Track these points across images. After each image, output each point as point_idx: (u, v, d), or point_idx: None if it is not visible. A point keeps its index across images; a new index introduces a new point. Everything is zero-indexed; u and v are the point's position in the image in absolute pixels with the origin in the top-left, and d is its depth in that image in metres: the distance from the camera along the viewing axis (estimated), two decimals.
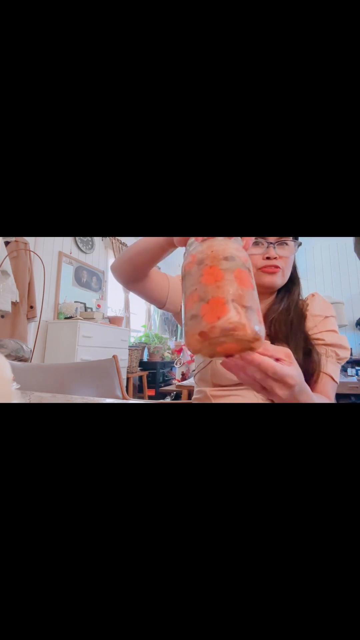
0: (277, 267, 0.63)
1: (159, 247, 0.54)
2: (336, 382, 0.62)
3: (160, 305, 0.69)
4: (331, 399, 0.60)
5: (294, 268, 0.70)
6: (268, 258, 0.63)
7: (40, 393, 0.69)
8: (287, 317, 0.66)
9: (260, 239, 0.63)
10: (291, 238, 0.64)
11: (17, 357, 1.76)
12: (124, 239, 3.79)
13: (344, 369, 3.49)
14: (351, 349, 3.80)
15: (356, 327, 3.73)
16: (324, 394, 0.60)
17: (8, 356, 1.69)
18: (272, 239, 0.63)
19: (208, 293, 0.30)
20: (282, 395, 0.36)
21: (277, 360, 0.35)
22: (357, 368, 3.43)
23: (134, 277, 0.62)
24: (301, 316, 0.67)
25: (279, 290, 0.69)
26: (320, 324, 0.66)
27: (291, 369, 0.35)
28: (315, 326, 0.66)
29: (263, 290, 0.65)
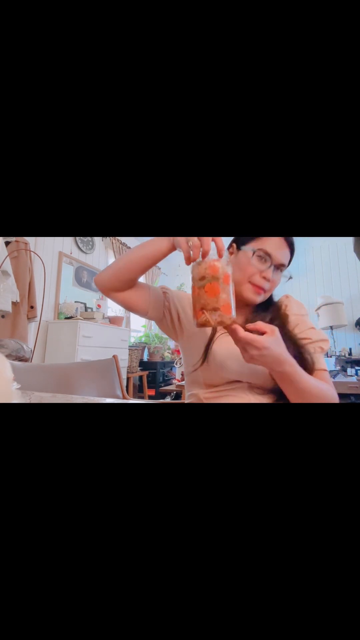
0: (264, 289, 0.67)
1: (161, 253, 0.61)
2: (327, 370, 0.68)
3: (144, 314, 0.72)
4: (331, 384, 0.64)
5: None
6: (264, 278, 0.66)
7: (41, 393, 0.69)
8: (273, 322, 0.69)
9: (268, 254, 0.66)
10: (286, 268, 0.69)
11: (18, 357, 1.76)
12: (124, 239, 3.79)
13: (343, 369, 3.48)
14: (350, 349, 3.77)
15: (356, 327, 3.73)
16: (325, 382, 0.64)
17: (8, 356, 1.69)
18: (276, 262, 0.66)
19: (195, 302, 0.54)
20: (253, 354, 0.51)
21: (262, 333, 0.52)
22: (357, 368, 3.42)
23: (124, 285, 0.65)
24: (284, 320, 0.71)
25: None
26: (301, 323, 0.71)
27: (263, 338, 0.51)
28: (297, 325, 0.70)
29: (243, 304, 0.70)
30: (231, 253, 0.74)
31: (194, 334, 0.72)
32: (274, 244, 0.65)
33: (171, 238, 0.59)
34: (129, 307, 0.70)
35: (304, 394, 0.56)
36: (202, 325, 0.53)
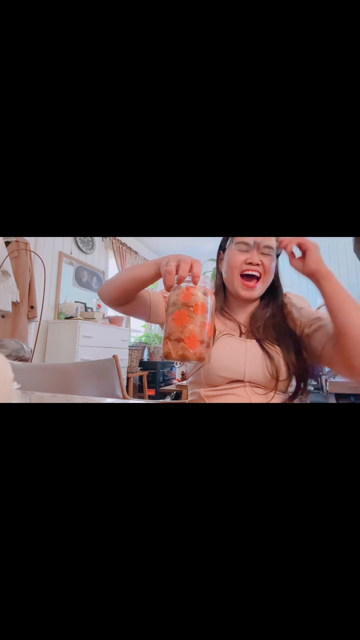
0: (259, 275, 0.67)
1: (149, 277, 0.62)
2: None
3: (146, 320, 0.75)
4: None
5: (277, 276, 0.74)
6: (250, 263, 0.67)
7: (41, 393, 0.69)
8: (274, 321, 0.70)
9: (244, 242, 0.67)
10: (274, 248, 0.68)
11: (18, 357, 1.76)
12: (124, 239, 3.79)
13: None
14: None
15: None
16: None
17: (8, 356, 1.69)
18: (256, 242, 0.67)
19: (167, 330, 0.50)
20: (309, 247, 0.57)
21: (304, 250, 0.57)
22: None
23: (123, 301, 0.69)
24: (286, 317, 0.71)
25: (263, 297, 0.74)
26: (306, 312, 0.70)
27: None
28: (301, 315, 0.70)
29: (245, 303, 0.73)
30: (221, 260, 0.75)
31: None
32: None
33: (158, 262, 0.59)
34: (132, 316, 0.74)
35: (348, 299, 0.55)
36: (166, 356, 0.48)
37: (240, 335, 0.71)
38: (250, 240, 0.67)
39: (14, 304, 2.16)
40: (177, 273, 0.50)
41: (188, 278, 0.50)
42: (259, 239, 0.67)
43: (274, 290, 0.74)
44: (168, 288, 0.51)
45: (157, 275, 0.61)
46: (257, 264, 0.67)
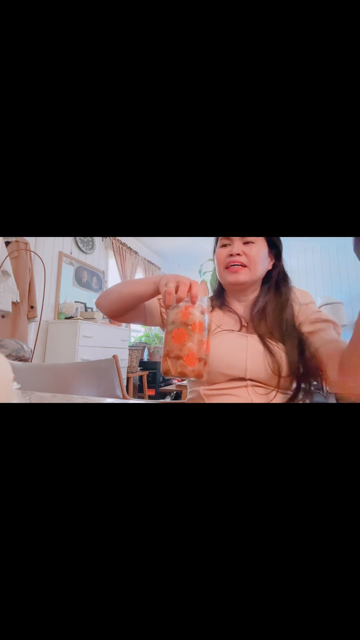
0: (242, 264, 0.68)
1: (148, 294, 0.65)
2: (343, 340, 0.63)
3: (143, 323, 0.79)
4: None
5: (278, 266, 0.74)
6: (231, 255, 0.69)
7: (41, 393, 0.69)
8: (279, 317, 0.69)
9: (226, 240, 0.71)
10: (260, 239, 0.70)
11: (18, 357, 1.76)
12: (124, 239, 3.79)
13: None
14: None
15: None
16: (332, 355, 0.60)
17: (8, 356, 1.69)
18: (236, 238, 0.69)
19: (166, 347, 0.53)
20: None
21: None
22: None
23: (121, 313, 0.73)
24: (292, 314, 0.70)
25: (265, 285, 0.74)
26: (306, 310, 0.69)
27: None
28: (302, 312, 0.69)
29: (233, 288, 0.73)
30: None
31: None
32: None
33: (157, 281, 0.62)
34: (130, 323, 0.80)
35: None
36: (165, 373, 0.51)
37: (240, 329, 0.70)
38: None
39: (14, 304, 2.16)
40: (176, 293, 0.53)
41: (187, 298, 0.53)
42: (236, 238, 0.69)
43: (272, 278, 0.73)
44: (167, 307, 0.55)
45: (155, 293, 0.64)
46: (238, 254, 0.68)
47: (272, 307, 0.70)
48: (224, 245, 0.71)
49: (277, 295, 0.72)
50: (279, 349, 0.64)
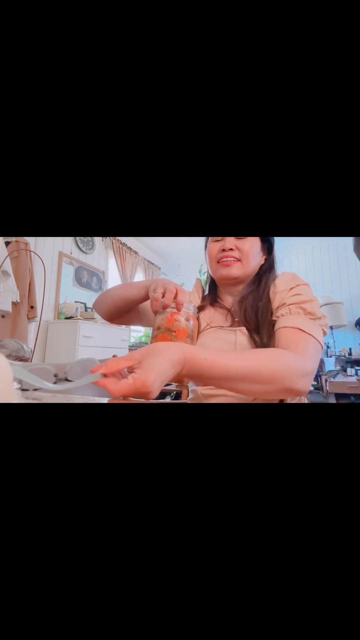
0: (234, 259, 0.68)
1: (140, 298, 0.66)
2: (308, 334, 0.55)
3: (139, 324, 0.81)
4: (295, 349, 0.53)
5: (272, 257, 0.74)
6: (224, 250, 0.68)
7: (41, 393, 0.69)
8: (256, 305, 0.65)
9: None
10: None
11: (18, 357, 1.76)
12: (124, 239, 3.79)
13: (343, 369, 3.47)
14: (350, 349, 3.75)
15: (356, 327, 3.72)
16: (280, 347, 0.56)
17: (8, 356, 1.69)
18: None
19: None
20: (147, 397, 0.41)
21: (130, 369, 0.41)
22: (357, 368, 3.42)
23: (116, 316, 0.75)
24: (268, 301, 0.66)
25: (255, 279, 0.72)
26: (287, 297, 0.63)
27: (138, 377, 0.39)
28: (282, 302, 0.63)
29: (225, 282, 0.72)
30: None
31: None
32: None
33: (148, 286, 0.63)
34: (127, 324, 0.83)
35: (231, 379, 0.46)
36: None
37: (232, 325, 0.69)
38: None
39: (14, 304, 2.16)
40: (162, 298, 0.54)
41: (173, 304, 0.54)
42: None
43: (268, 271, 0.71)
44: (155, 313, 0.55)
45: (147, 297, 0.65)
46: (231, 249, 0.67)
47: (252, 299, 0.67)
48: (216, 241, 0.70)
49: (258, 287, 0.69)
50: (260, 341, 0.61)
